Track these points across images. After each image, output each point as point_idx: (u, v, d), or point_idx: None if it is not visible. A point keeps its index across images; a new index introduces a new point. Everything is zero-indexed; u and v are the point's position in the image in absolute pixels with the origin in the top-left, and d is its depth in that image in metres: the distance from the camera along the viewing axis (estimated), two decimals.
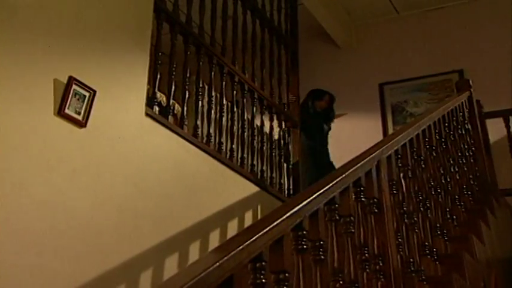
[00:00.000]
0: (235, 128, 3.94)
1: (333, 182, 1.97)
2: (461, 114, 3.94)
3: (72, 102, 2.58)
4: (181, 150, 3.30)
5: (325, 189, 1.91)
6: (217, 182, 3.58)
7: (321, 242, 1.81)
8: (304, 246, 1.72)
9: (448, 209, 3.12)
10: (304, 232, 1.73)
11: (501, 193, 4.21)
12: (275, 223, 1.59)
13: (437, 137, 3.29)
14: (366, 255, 2.12)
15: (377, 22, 6.39)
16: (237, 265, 1.40)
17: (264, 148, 4.27)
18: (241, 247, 1.43)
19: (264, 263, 1.50)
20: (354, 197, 2.14)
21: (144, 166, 2.99)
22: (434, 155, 3.16)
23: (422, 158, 2.92)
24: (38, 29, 2.55)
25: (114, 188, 2.77)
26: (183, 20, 3.60)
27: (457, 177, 3.48)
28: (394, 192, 2.49)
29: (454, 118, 3.74)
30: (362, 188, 2.21)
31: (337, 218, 1.97)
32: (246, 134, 4.07)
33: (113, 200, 2.74)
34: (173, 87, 3.40)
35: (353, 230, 2.05)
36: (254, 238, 1.49)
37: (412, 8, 6.24)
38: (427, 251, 2.62)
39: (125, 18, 3.06)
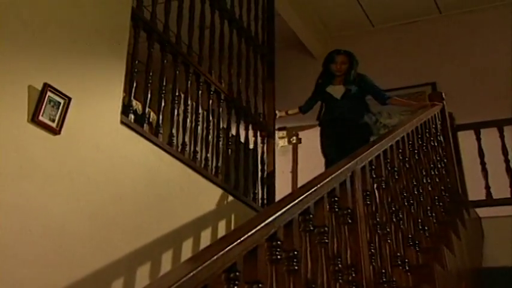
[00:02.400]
0: (210, 137, 3.94)
1: (308, 193, 1.98)
2: (433, 126, 4.01)
3: (47, 109, 2.56)
4: (155, 158, 3.29)
5: (299, 199, 1.92)
6: (191, 191, 3.57)
7: (295, 253, 1.81)
8: (278, 257, 1.72)
9: (420, 220, 3.15)
10: (279, 242, 1.73)
11: (471, 205, 4.28)
12: (249, 233, 1.59)
13: (411, 149, 3.33)
14: (339, 265, 2.13)
15: (352, 34, 6.47)
16: (210, 275, 1.40)
17: (239, 157, 4.27)
18: (215, 257, 1.43)
19: (237, 274, 1.50)
20: (328, 207, 2.15)
21: (118, 174, 2.97)
22: (408, 166, 3.20)
23: (395, 169, 2.96)
24: (13, 35, 2.52)
25: (87, 195, 2.74)
26: (161, 29, 3.59)
27: (429, 189, 3.52)
28: (368, 203, 2.51)
29: (427, 130, 3.80)
30: (336, 199, 2.22)
31: (312, 228, 1.98)
32: (221, 143, 4.08)
33: (85, 207, 2.71)
34: (149, 95, 3.39)
35: (327, 241, 2.06)
36: (228, 248, 1.49)
37: (386, 22, 6.34)
38: (399, 262, 2.64)
39: (102, 25, 3.05)
